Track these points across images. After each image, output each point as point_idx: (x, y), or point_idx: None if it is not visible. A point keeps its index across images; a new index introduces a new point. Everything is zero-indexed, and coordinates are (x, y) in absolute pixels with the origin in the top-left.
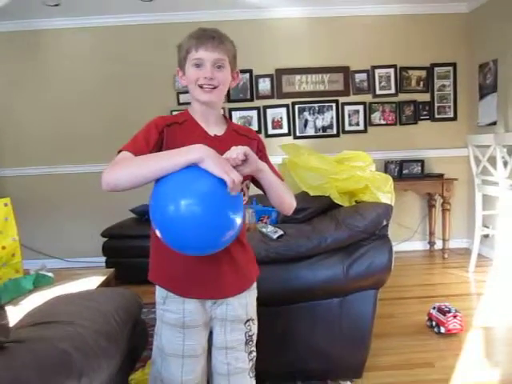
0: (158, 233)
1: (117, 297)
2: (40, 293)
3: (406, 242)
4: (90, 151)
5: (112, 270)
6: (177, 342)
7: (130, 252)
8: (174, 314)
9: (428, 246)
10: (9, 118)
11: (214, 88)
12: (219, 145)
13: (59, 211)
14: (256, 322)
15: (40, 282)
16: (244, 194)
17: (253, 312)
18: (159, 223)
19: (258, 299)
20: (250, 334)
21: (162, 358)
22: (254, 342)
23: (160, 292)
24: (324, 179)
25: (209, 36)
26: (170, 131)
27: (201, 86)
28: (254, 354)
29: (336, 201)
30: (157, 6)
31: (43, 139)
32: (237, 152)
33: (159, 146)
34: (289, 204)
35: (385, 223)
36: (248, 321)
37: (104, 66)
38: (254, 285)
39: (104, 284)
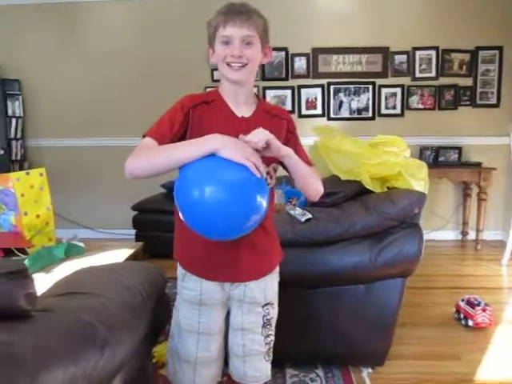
0: (181, 216)
1: (142, 270)
2: (71, 262)
3: (438, 230)
4: (125, 125)
5: (140, 243)
6: (193, 318)
7: (158, 226)
8: (191, 292)
9: (460, 236)
10: (47, 88)
11: (243, 66)
12: (246, 127)
13: (93, 183)
14: (276, 306)
15: (71, 252)
16: (271, 177)
17: (272, 296)
18: (184, 207)
19: (281, 281)
20: (267, 317)
21: (179, 333)
22: (273, 326)
23: (180, 269)
24: (356, 163)
25: (236, 11)
26: (197, 112)
27: (229, 64)
28: (272, 338)
29: (367, 186)
30: None
31: (80, 111)
32: (258, 138)
33: (184, 129)
34: (315, 190)
35: (416, 211)
36: (266, 304)
37: (140, 40)
38: (276, 269)
39: (132, 257)
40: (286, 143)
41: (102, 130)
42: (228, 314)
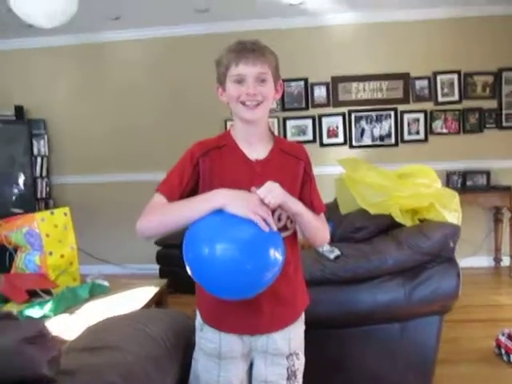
0: (191, 274)
1: (167, 319)
2: (95, 302)
3: (470, 257)
4: (148, 159)
5: (164, 281)
6: (212, 372)
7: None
8: (210, 343)
9: (493, 263)
10: (71, 127)
11: (258, 104)
12: (262, 170)
13: (117, 218)
14: (302, 356)
15: (96, 291)
16: (287, 225)
17: (297, 346)
18: (192, 265)
19: (310, 322)
20: (292, 369)
21: None
22: (298, 377)
23: (199, 318)
24: (385, 196)
25: (249, 49)
26: (207, 160)
27: (243, 103)
28: None
29: (398, 219)
30: (211, 16)
31: (103, 147)
32: (272, 198)
33: (195, 181)
34: (321, 241)
35: (452, 245)
36: (291, 355)
37: (162, 75)
38: (301, 317)
39: (157, 296)
40: (301, 185)
41: (125, 166)
42: (251, 365)
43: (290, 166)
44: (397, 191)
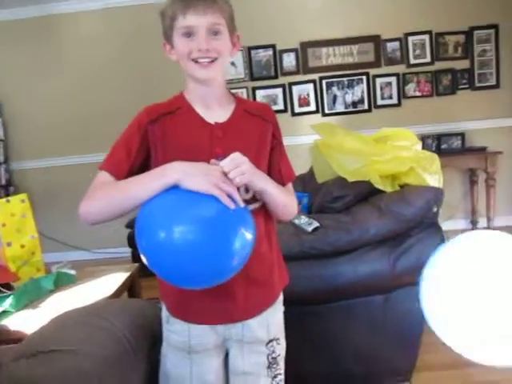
0: (147, 263)
1: (133, 311)
2: (61, 293)
3: (447, 221)
4: (111, 139)
5: (136, 265)
6: (183, 368)
7: None
8: (178, 337)
9: (471, 225)
10: (27, 108)
11: (212, 61)
12: (223, 134)
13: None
14: (282, 341)
15: (61, 281)
16: (256, 195)
17: (277, 330)
18: (148, 253)
19: (291, 299)
20: (273, 355)
21: None
22: (281, 364)
23: (164, 309)
24: (363, 162)
25: None
26: (157, 128)
27: (195, 61)
28: (281, 377)
29: (377, 186)
30: None
31: (64, 129)
32: (238, 175)
33: (146, 152)
34: (287, 217)
35: (435, 210)
36: (271, 341)
37: (120, 48)
38: (280, 298)
39: (128, 281)
40: (270, 151)
41: (87, 147)
42: (227, 356)
43: (257, 128)
44: (375, 156)
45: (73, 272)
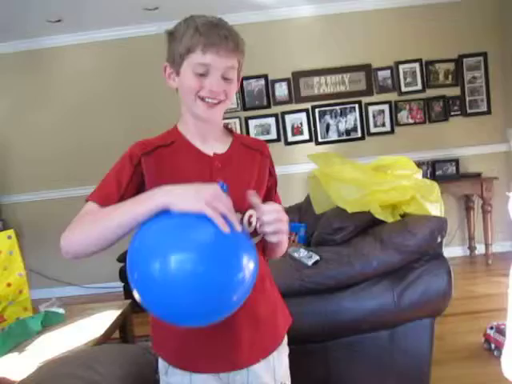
0: (138, 300)
1: (125, 359)
2: (49, 334)
3: (444, 248)
4: (99, 172)
5: (128, 301)
6: None
7: None
8: None
9: (468, 252)
10: (14, 142)
11: (219, 103)
12: (223, 165)
13: None
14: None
15: (50, 321)
16: (257, 229)
17: (283, 375)
18: (140, 289)
19: (292, 336)
20: None
21: None
22: None
23: (161, 360)
24: (363, 191)
25: (222, 36)
26: (153, 160)
27: (202, 99)
28: None
29: (378, 216)
30: (162, 14)
31: (51, 162)
32: (276, 230)
33: (137, 185)
34: (280, 255)
35: (439, 240)
36: None
37: (111, 81)
38: (285, 341)
39: (120, 319)
40: (267, 187)
41: (77, 180)
42: None
43: (256, 161)
44: (375, 185)
45: (62, 311)
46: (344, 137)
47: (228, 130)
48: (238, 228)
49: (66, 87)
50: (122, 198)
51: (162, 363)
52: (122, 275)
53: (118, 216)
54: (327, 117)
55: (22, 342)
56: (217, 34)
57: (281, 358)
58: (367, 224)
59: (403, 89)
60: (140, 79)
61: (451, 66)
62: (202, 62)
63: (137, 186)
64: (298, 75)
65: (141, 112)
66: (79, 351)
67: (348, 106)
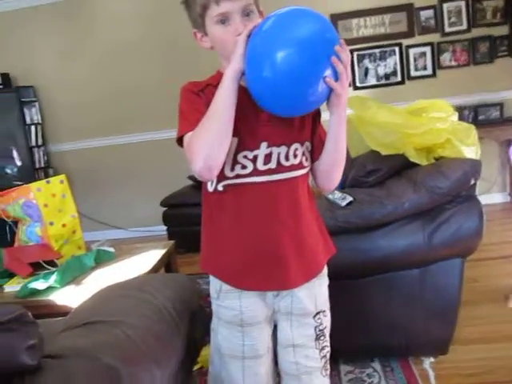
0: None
1: (173, 285)
2: (101, 270)
3: (484, 194)
4: (145, 119)
5: (171, 242)
6: (236, 341)
7: (190, 220)
8: (229, 311)
9: (509, 198)
10: (62, 91)
11: None
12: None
13: (120, 181)
14: (328, 313)
15: (101, 258)
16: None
17: (323, 303)
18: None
19: (329, 272)
20: (320, 328)
21: (220, 359)
22: (327, 336)
23: (214, 284)
24: (397, 135)
25: None
26: (207, 95)
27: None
28: (328, 349)
29: (412, 159)
30: None
31: (98, 110)
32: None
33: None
34: (336, 180)
35: (473, 182)
36: (318, 313)
37: (151, 27)
38: (325, 270)
39: (164, 258)
40: (313, 124)
41: (122, 128)
42: (275, 327)
43: None
44: (410, 128)
45: (111, 249)
46: (383, 81)
47: None
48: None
49: (105, 34)
50: None
51: (213, 287)
52: (166, 219)
53: (217, 103)
54: (366, 61)
55: (77, 277)
56: None
57: (322, 286)
58: (401, 167)
59: (447, 29)
60: (174, 24)
61: (500, 3)
62: (219, 12)
63: None
64: (336, 18)
65: (178, 59)
66: (132, 278)
67: (388, 48)
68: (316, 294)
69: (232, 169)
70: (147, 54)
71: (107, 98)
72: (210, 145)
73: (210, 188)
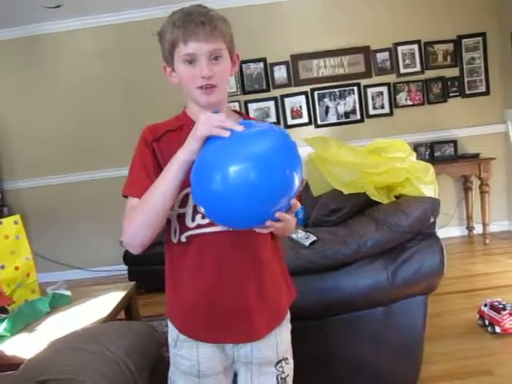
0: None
1: (130, 335)
2: (57, 315)
3: (442, 228)
4: (103, 156)
5: (132, 283)
6: None
7: (151, 260)
8: (186, 361)
9: (466, 232)
10: (18, 128)
11: (213, 87)
12: None
13: (78, 220)
14: (291, 360)
15: (57, 303)
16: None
17: (285, 350)
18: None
19: (292, 313)
20: (282, 376)
21: None
22: (290, 383)
23: (171, 332)
24: (358, 174)
25: (197, 23)
26: (163, 144)
27: (200, 88)
28: None
29: (373, 197)
30: None
31: (55, 147)
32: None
33: (159, 167)
34: (290, 232)
35: (432, 220)
36: (280, 361)
37: (111, 65)
38: (287, 317)
39: (125, 300)
40: None
41: (81, 164)
42: (235, 376)
43: None
44: (370, 168)
45: (68, 293)
46: (343, 119)
47: (238, 113)
48: (238, 128)
49: (65, 72)
50: (153, 182)
51: (171, 334)
52: (127, 258)
53: (159, 187)
54: (326, 99)
55: (31, 323)
56: (192, 22)
57: (283, 333)
58: (363, 205)
59: (402, 70)
60: (139, 63)
61: (450, 47)
62: (186, 52)
63: (159, 168)
64: (296, 58)
65: (139, 95)
66: (87, 328)
67: (347, 88)
68: (277, 341)
69: (193, 219)
70: (107, 91)
71: (66, 134)
72: (140, 224)
73: (174, 239)
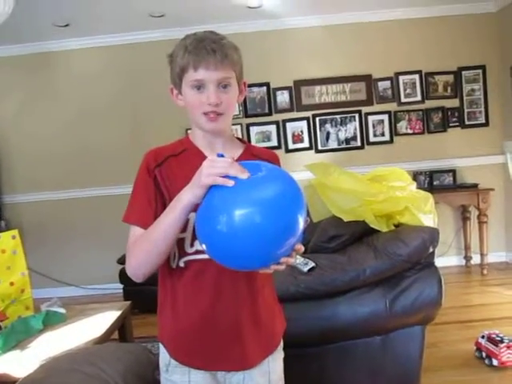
0: (204, 248)
1: (125, 357)
2: (50, 333)
3: (440, 257)
4: (104, 174)
5: (128, 303)
6: None
7: (148, 280)
8: None
9: (464, 262)
10: (21, 142)
11: (220, 115)
12: None
13: (75, 237)
14: None
15: (50, 321)
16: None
17: (278, 379)
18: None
19: (287, 341)
20: None
21: None
22: None
23: (163, 356)
24: (358, 202)
25: (209, 50)
26: (164, 170)
27: (205, 114)
28: None
29: (372, 225)
30: (167, 21)
31: (56, 163)
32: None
33: (162, 194)
34: None
35: (431, 250)
36: None
37: (116, 85)
38: (280, 345)
39: (119, 320)
40: None
41: (80, 181)
42: None
43: None
44: (370, 196)
45: (62, 310)
46: (344, 145)
47: (240, 140)
48: (243, 175)
49: (71, 90)
50: (155, 212)
51: (163, 360)
52: (122, 277)
53: (160, 230)
54: (327, 125)
55: (23, 340)
56: (204, 49)
57: (276, 362)
58: (362, 233)
59: (403, 99)
60: (144, 84)
61: (450, 78)
62: (195, 78)
63: (162, 195)
64: (299, 84)
65: (144, 117)
66: (81, 349)
67: (348, 115)
68: (270, 370)
69: (191, 244)
70: (111, 114)
71: (66, 152)
72: (144, 259)
73: (173, 264)
